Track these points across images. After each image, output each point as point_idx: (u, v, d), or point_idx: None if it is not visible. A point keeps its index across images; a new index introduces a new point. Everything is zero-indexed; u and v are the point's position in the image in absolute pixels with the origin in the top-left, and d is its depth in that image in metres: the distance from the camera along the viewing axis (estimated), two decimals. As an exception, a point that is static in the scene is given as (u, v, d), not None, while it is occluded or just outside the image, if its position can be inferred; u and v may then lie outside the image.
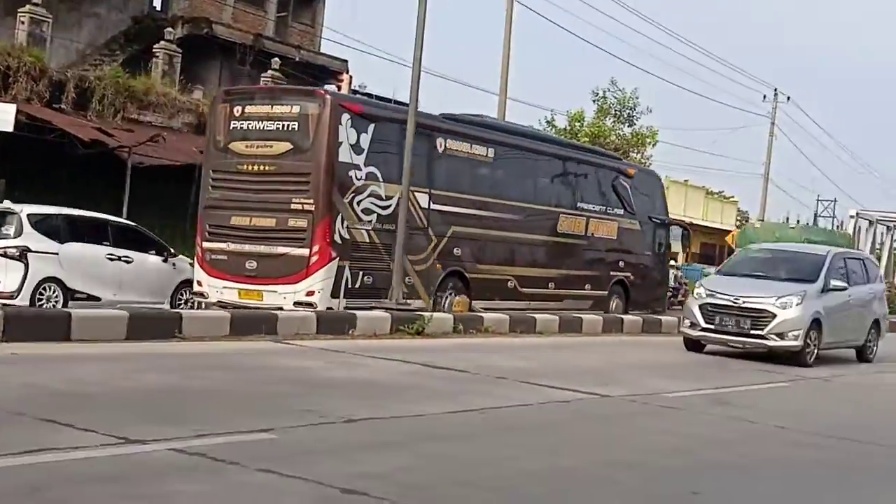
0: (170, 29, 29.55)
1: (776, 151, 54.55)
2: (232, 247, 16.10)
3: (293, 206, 15.76)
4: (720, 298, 16.23)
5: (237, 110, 16.41)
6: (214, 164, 16.68)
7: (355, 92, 32.71)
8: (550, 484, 6.81)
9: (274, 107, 16.19)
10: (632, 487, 6.94)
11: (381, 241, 16.59)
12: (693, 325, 16.61)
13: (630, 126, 34.60)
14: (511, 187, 19.48)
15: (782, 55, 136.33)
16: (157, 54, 28.58)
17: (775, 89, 52.03)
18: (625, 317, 20.83)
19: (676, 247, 25.41)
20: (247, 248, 15.98)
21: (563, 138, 23.15)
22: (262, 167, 16.04)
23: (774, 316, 15.76)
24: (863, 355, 18.25)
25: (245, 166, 16.17)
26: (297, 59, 32.57)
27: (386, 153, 16.66)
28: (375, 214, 16.50)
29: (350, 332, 14.71)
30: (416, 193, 17.03)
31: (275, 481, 6.03)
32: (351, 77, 34.07)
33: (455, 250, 18.05)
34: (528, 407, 9.85)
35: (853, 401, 13.46)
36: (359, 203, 16.21)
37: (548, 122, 34.40)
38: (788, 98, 52.40)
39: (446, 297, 17.94)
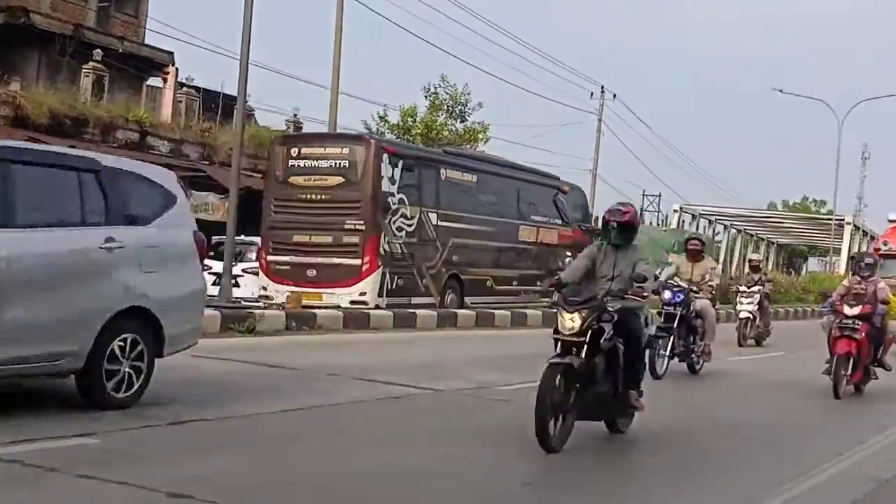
0: (-16, 18, 28.19)
1: (604, 147, 56.01)
2: (294, 259, 19.73)
3: (346, 227, 19.65)
4: None
5: (294, 151, 20.30)
6: (276, 194, 20.43)
7: (181, 85, 32.00)
8: (383, 480, 6.75)
9: (326, 148, 20.26)
10: (463, 481, 6.93)
11: (408, 251, 20.48)
12: None
13: (462, 121, 34.91)
14: (488, 205, 23.54)
15: (611, 54, 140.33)
16: (-30, 44, 27.22)
17: (602, 87, 53.44)
18: (458, 311, 20.99)
19: None
20: (307, 259, 19.66)
21: (523, 164, 26.98)
22: (318, 196, 19.85)
23: None
24: None
25: (304, 195, 19.90)
26: (121, 50, 31.54)
27: (409, 183, 20.72)
28: (405, 231, 20.44)
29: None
30: (428, 212, 21.11)
31: (97, 487, 5.78)
32: (177, 69, 33.25)
33: (454, 257, 21.86)
34: (362, 403, 9.77)
35: (680, 392, 13.78)
36: (394, 222, 20.17)
37: (380, 117, 34.44)
38: (615, 95, 53.90)
39: (448, 295, 21.66)
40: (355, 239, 19.60)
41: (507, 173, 25.04)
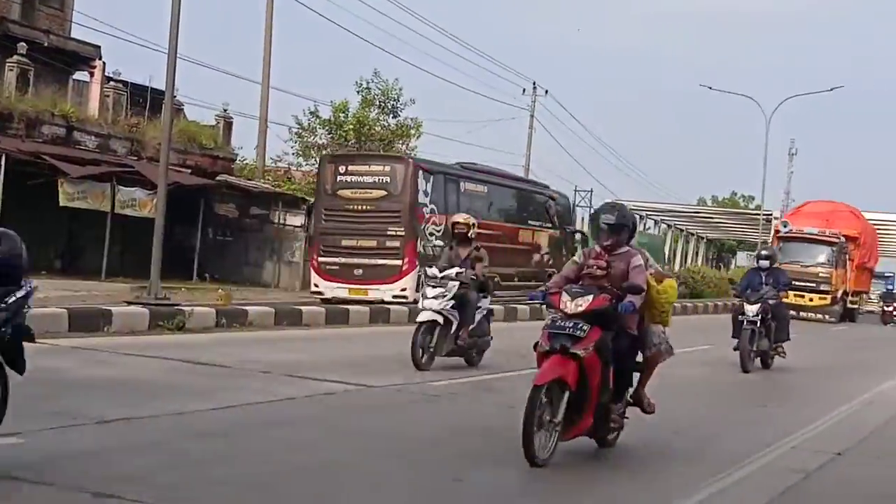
0: None
1: (536, 143, 56.28)
2: (343, 260, 23.06)
3: (389, 232, 23.04)
4: None
5: (342, 168, 23.83)
6: (326, 205, 23.94)
7: (109, 79, 31.48)
8: (315, 478, 6.70)
9: (371, 166, 23.91)
10: (397, 478, 6.91)
11: (437, 253, 21.33)
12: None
13: (394, 117, 34.80)
14: (496, 211, 26.92)
15: (544, 50, 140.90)
16: None
17: (534, 83, 53.70)
18: (391, 307, 20.93)
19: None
20: (355, 260, 22.99)
21: (522, 175, 31.90)
22: (364, 207, 23.27)
23: None
24: None
25: (352, 206, 23.30)
26: (46, 44, 30.87)
27: (438, 194, 23.95)
28: (435, 235, 23.30)
29: (105, 328, 14.10)
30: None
31: (20, 489, 5.67)
32: (104, 63, 32.66)
33: None
34: (294, 401, 9.69)
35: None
36: (426, 228, 23.45)
37: (311, 112, 34.17)
38: (546, 91, 54.18)
39: None
40: (396, 243, 23.01)
41: (511, 184, 29.14)
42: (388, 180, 23.39)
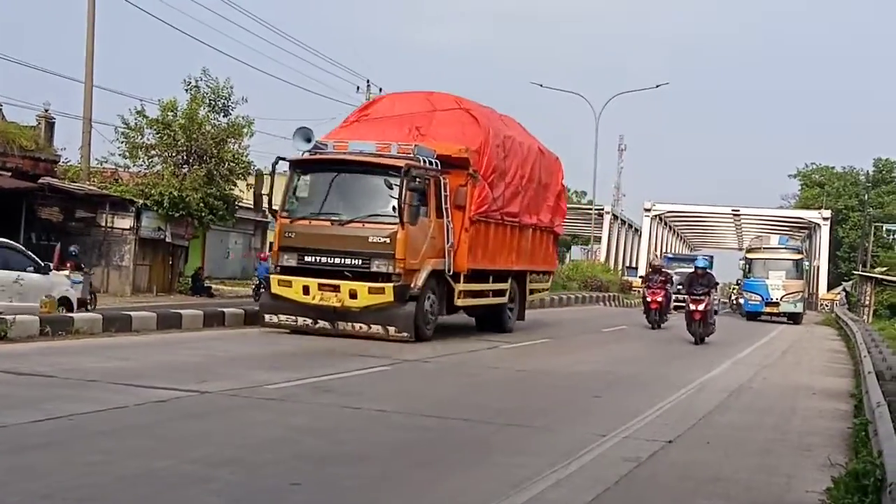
0: None
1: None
2: None
3: None
4: None
5: None
6: None
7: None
8: (143, 487, 6.48)
9: None
10: (230, 484, 6.73)
11: None
12: None
13: (226, 115, 34.04)
14: None
15: (377, 48, 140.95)
16: None
17: (367, 80, 53.59)
18: (226, 310, 20.48)
19: None
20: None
21: None
22: None
23: None
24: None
25: None
26: None
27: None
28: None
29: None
30: None
31: None
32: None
33: None
34: (123, 409, 9.33)
35: (447, 381, 13.94)
36: None
37: (138, 112, 33.07)
38: (381, 90, 54.11)
39: None
40: None
41: None
42: None
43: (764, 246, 41.81)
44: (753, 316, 39.07)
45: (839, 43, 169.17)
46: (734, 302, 47.19)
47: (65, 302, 19.35)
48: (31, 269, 18.97)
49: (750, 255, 41.28)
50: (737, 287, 47.54)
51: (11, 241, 20.10)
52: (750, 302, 39.67)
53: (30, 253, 19.89)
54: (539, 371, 15.11)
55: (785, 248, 41.29)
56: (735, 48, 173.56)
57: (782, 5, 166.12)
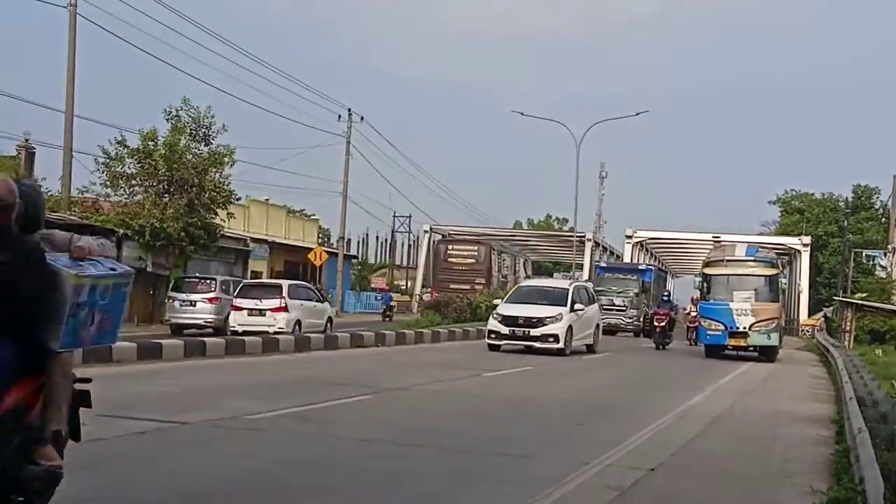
0: None
1: (354, 169, 56.30)
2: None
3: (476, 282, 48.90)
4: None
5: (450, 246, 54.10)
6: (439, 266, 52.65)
7: None
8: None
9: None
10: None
11: None
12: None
13: (206, 145, 34.03)
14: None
15: (358, 78, 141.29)
16: None
17: (349, 109, 53.74)
18: (207, 340, 20.41)
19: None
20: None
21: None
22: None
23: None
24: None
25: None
26: None
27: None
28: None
29: None
30: None
31: None
32: None
33: None
34: (104, 441, 9.24)
35: (428, 409, 13.87)
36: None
37: (118, 141, 33.01)
38: (362, 118, 54.31)
39: None
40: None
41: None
42: (479, 257, 54.28)
43: (727, 258, 30.78)
44: (714, 351, 29.48)
45: (816, 70, 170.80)
46: (691, 335, 35.83)
47: None
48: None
49: (709, 271, 30.36)
50: (693, 312, 35.86)
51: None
52: (709, 332, 29.45)
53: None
54: (521, 399, 15.09)
55: (755, 262, 30.36)
56: (714, 75, 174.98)
57: (763, 36, 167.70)
